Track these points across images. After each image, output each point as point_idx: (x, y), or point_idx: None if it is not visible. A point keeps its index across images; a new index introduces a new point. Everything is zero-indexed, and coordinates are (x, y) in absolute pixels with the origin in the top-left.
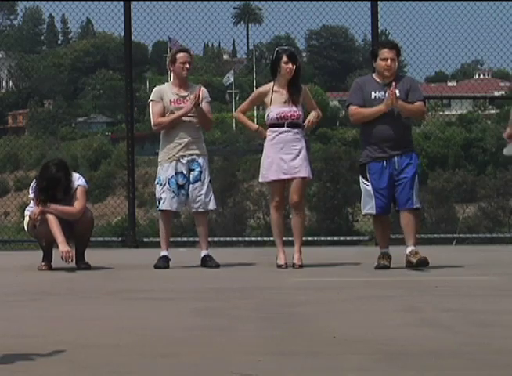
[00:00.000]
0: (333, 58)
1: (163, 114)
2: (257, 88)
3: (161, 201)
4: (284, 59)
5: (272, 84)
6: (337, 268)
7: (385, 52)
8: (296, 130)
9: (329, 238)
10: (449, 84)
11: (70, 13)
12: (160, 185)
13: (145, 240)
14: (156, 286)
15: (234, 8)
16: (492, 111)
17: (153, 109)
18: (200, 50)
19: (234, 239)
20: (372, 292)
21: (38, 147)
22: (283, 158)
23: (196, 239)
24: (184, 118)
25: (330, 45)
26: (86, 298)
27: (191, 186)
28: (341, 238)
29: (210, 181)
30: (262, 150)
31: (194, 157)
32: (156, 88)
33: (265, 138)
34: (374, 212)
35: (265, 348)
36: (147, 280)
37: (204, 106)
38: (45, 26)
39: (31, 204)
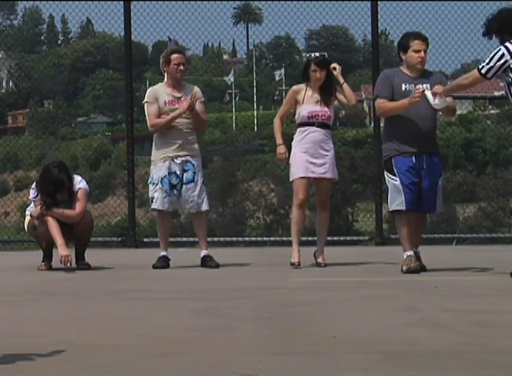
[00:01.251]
0: (333, 58)
1: (158, 115)
2: (257, 88)
3: (153, 200)
4: (312, 67)
5: (306, 84)
6: (337, 268)
7: (418, 44)
8: (325, 130)
9: (329, 238)
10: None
11: (70, 13)
12: (153, 184)
13: (145, 240)
14: (156, 286)
15: (234, 8)
16: (492, 111)
17: (149, 110)
18: (200, 50)
19: (234, 239)
20: (372, 292)
21: (38, 147)
22: (311, 157)
23: (196, 239)
24: (178, 119)
25: (330, 45)
26: (86, 298)
27: (184, 186)
28: (341, 238)
29: (203, 182)
30: (262, 150)
31: (188, 158)
32: (150, 89)
33: (280, 157)
34: (404, 208)
35: (265, 348)
36: (147, 280)
37: (198, 106)
38: (45, 26)
39: (32, 204)
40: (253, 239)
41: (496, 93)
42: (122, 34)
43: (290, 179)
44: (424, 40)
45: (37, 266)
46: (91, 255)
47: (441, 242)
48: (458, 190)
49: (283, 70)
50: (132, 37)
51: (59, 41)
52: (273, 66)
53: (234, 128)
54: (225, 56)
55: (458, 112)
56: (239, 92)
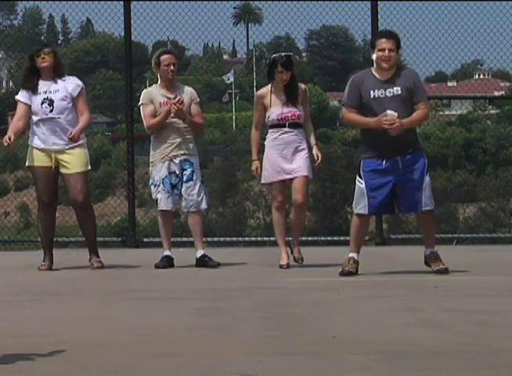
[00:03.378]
0: (333, 58)
1: (154, 116)
2: (257, 88)
3: (157, 202)
4: (279, 68)
5: (270, 86)
6: (337, 268)
7: (383, 43)
8: (297, 130)
9: (328, 238)
10: (449, 84)
11: (70, 13)
12: (155, 185)
13: (145, 240)
14: (156, 286)
15: (234, 8)
16: (492, 111)
17: (145, 112)
18: (200, 50)
19: (234, 239)
20: (372, 292)
21: None
22: (284, 159)
23: None
24: (175, 119)
25: (330, 45)
26: (86, 298)
27: (184, 185)
28: (341, 238)
29: (202, 181)
30: (262, 151)
31: (186, 156)
32: (144, 91)
33: (253, 174)
34: (366, 213)
35: (265, 348)
36: (147, 280)
37: (193, 108)
38: (45, 26)
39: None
40: (253, 239)
41: (496, 93)
42: (122, 34)
43: (262, 181)
44: (390, 37)
45: (37, 266)
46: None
47: (441, 242)
48: (458, 190)
49: None
50: (132, 37)
51: (59, 41)
52: None
53: (234, 128)
54: (225, 56)
55: (458, 112)
56: (239, 92)
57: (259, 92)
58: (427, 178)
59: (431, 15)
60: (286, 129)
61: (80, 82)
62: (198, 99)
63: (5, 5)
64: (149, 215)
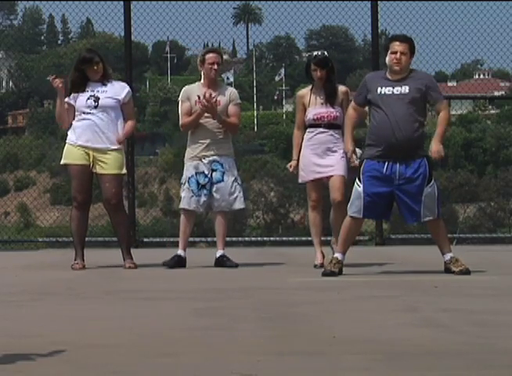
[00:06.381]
0: (333, 58)
1: (190, 114)
2: (257, 88)
3: (181, 200)
4: (312, 66)
5: (310, 86)
6: None
7: (395, 45)
8: (333, 130)
9: (328, 238)
10: (449, 84)
11: (70, 13)
12: (182, 184)
13: (145, 240)
14: (156, 286)
15: (234, 8)
16: (492, 111)
17: (181, 109)
18: (200, 50)
19: (234, 239)
20: (372, 292)
21: (38, 147)
22: (317, 158)
23: (196, 239)
24: (207, 119)
25: (330, 45)
26: (86, 298)
27: (214, 186)
28: None
29: (236, 181)
30: (262, 150)
31: (215, 157)
32: (184, 87)
33: (292, 172)
34: (361, 216)
35: (265, 348)
36: (147, 280)
37: (231, 108)
38: (45, 26)
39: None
40: (253, 239)
41: (496, 93)
42: (122, 34)
43: (299, 181)
44: (403, 41)
45: (70, 265)
46: (92, 255)
47: None
48: (459, 191)
49: (282, 70)
50: (132, 37)
51: (59, 41)
52: (273, 66)
53: None
54: (225, 56)
55: (458, 112)
56: (239, 92)
57: (299, 92)
58: (427, 189)
59: (431, 15)
60: (322, 129)
61: (128, 88)
62: (239, 101)
63: (5, 5)
64: (149, 215)
